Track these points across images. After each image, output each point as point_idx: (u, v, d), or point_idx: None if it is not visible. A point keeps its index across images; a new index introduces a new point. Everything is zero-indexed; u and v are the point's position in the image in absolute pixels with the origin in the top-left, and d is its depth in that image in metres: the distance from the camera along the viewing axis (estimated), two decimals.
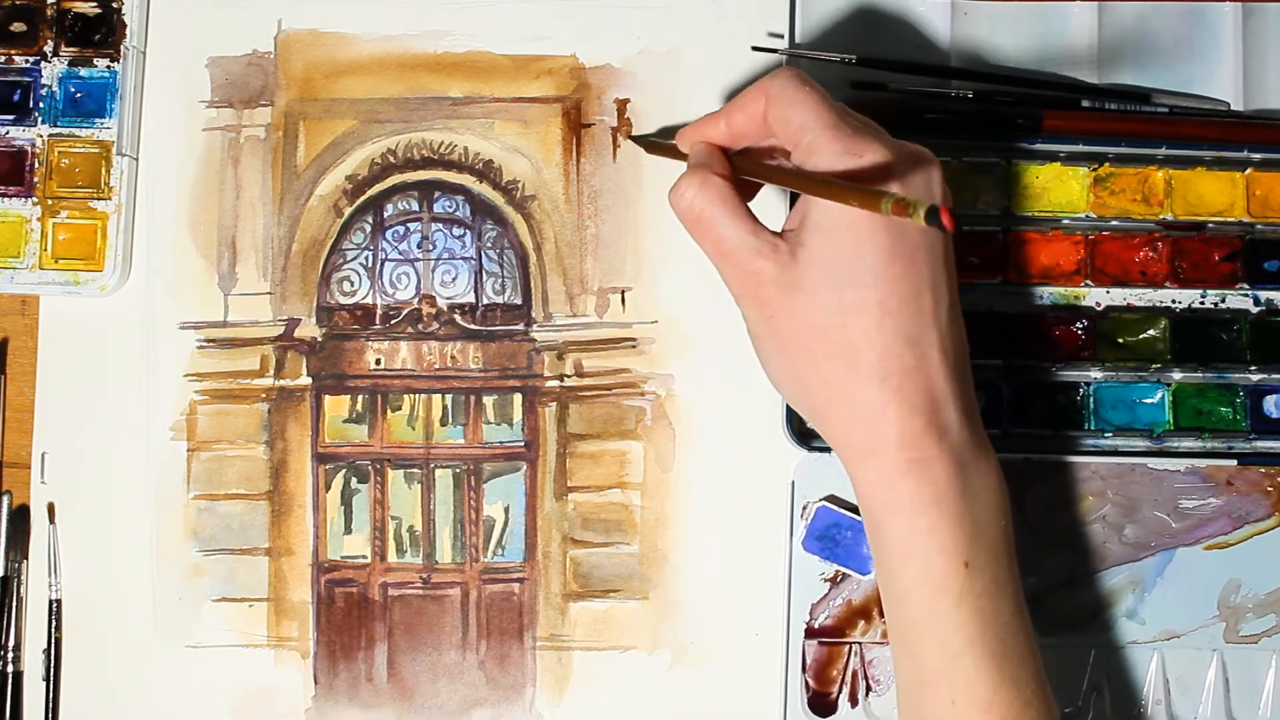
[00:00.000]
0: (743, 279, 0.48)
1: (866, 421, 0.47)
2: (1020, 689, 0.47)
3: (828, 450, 0.57)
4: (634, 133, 0.60)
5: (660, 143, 0.57)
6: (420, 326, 0.59)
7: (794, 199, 0.55)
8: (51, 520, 0.58)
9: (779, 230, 0.49)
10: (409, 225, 0.60)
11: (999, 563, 0.48)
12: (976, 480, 0.47)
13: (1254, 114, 0.59)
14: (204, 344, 0.59)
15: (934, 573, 0.46)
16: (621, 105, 0.60)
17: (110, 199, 0.59)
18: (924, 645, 0.47)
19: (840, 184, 0.45)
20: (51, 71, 0.59)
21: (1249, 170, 0.58)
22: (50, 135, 0.59)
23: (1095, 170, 0.58)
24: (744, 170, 0.50)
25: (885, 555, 0.48)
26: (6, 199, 0.59)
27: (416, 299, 0.59)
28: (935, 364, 0.47)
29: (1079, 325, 0.58)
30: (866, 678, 0.57)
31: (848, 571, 0.57)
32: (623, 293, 0.59)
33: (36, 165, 0.59)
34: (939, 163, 0.49)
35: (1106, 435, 0.58)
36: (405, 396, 0.59)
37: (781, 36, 0.59)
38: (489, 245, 0.60)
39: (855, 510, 0.57)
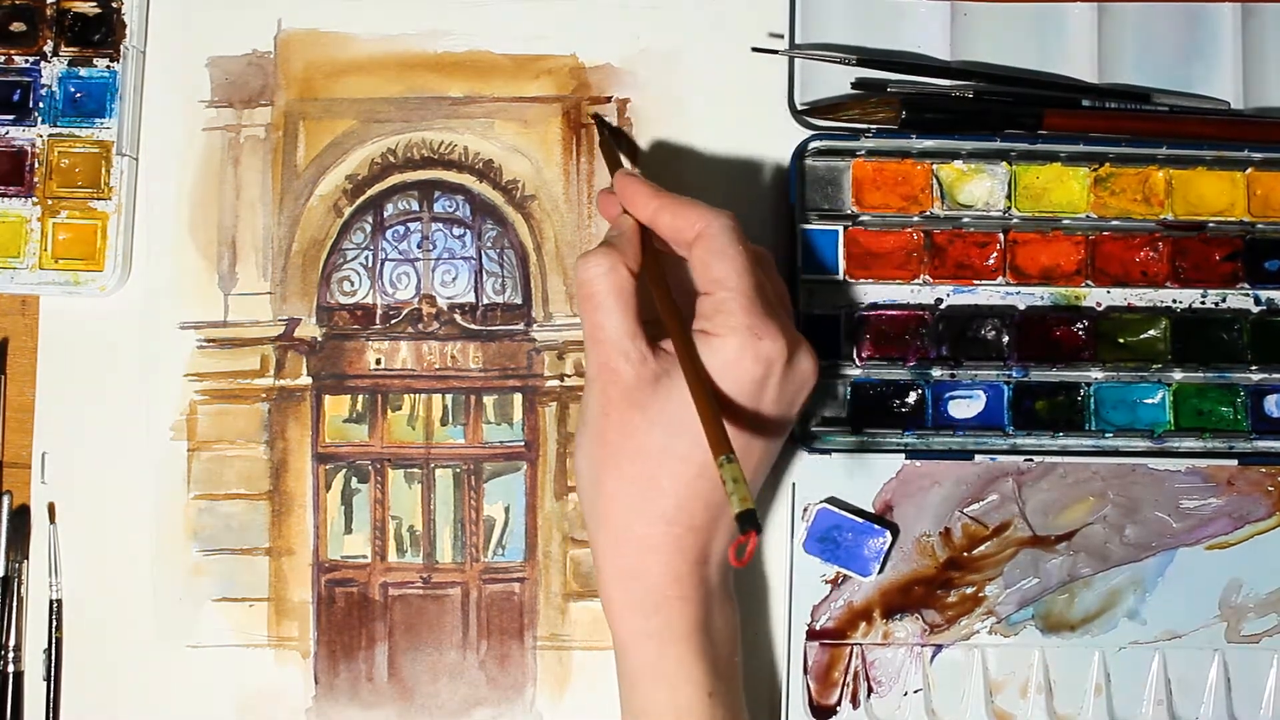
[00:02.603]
0: (602, 371, 0.50)
1: (639, 551, 0.50)
2: None
3: (828, 452, 0.57)
4: (605, 123, 0.60)
5: (612, 150, 0.57)
6: (420, 326, 0.59)
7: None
8: (51, 520, 0.58)
9: (655, 341, 0.50)
10: (409, 225, 0.60)
11: (735, 694, 0.51)
12: (720, 620, 0.51)
13: (1254, 112, 0.59)
14: (204, 344, 0.59)
15: (680, 701, 0.49)
16: (622, 105, 0.60)
17: (110, 199, 0.59)
18: None
19: (705, 398, 0.46)
20: (51, 71, 0.59)
21: (1249, 170, 0.58)
22: (50, 135, 0.59)
23: (1096, 170, 0.58)
24: (651, 279, 0.51)
25: (633, 680, 0.51)
26: (6, 199, 0.59)
27: (416, 299, 0.59)
28: (722, 530, 0.50)
29: (1079, 325, 0.58)
30: (868, 679, 0.57)
31: (849, 573, 0.57)
32: None
33: (36, 165, 0.59)
34: (818, 369, 0.51)
35: (1107, 436, 0.58)
36: (405, 396, 0.59)
37: (781, 36, 0.59)
38: (489, 245, 0.60)
39: (857, 512, 0.57)
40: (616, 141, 0.59)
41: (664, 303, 0.50)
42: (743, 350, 0.48)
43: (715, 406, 0.46)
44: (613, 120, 0.60)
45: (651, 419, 0.49)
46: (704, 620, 0.50)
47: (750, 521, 0.42)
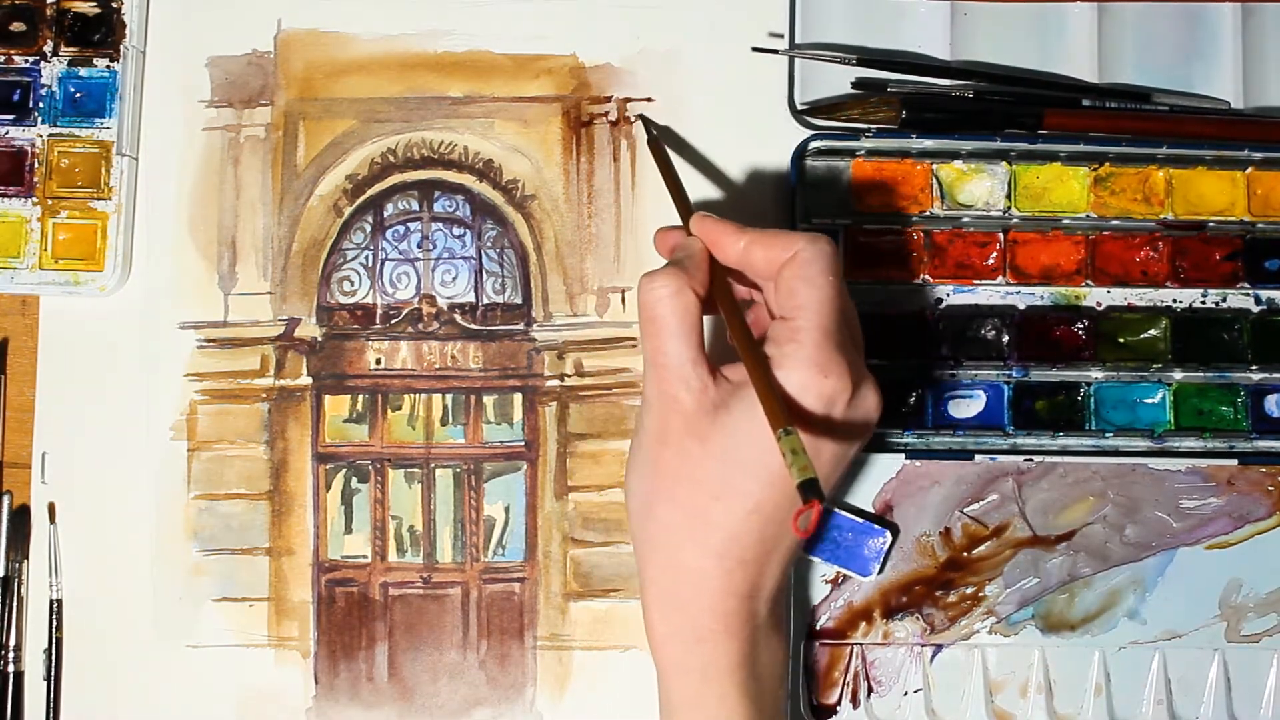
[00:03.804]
0: (662, 397, 0.49)
1: (688, 582, 0.48)
2: None
3: None
4: (653, 125, 0.59)
5: (662, 151, 0.56)
6: (420, 326, 0.59)
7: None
8: (51, 520, 0.58)
9: (716, 365, 0.49)
10: (409, 225, 0.60)
11: None
12: (766, 655, 0.50)
13: (1254, 112, 0.59)
14: (204, 344, 0.59)
15: None
16: (622, 105, 0.60)
17: (110, 199, 0.59)
18: None
19: (767, 385, 0.46)
20: (51, 71, 0.59)
21: (1250, 169, 0.58)
22: (50, 135, 0.59)
23: (1096, 170, 0.58)
24: (719, 301, 0.50)
25: (672, 710, 0.49)
26: (6, 199, 0.59)
27: (416, 299, 0.59)
28: (774, 565, 0.49)
29: (1080, 325, 0.58)
30: (868, 679, 0.57)
31: (849, 573, 0.57)
32: (623, 292, 0.59)
33: (36, 165, 0.59)
34: (880, 411, 0.49)
35: (1107, 435, 0.58)
36: (405, 396, 0.59)
37: (781, 36, 0.59)
38: (489, 245, 0.60)
39: (857, 513, 0.57)
40: (667, 157, 0.57)
41: (734, 319, 0.48)
42: (805, 387, 0.46)
43: (773, 381, 0.46)
44: (613, 116, 0.60)
45: (709, 450, 0.47)
46: (749, 656, 0.49)
47: (813, 490, 0.41)
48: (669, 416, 0.48)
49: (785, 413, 0.44)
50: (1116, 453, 0.58)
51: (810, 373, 0.46)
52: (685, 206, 0.53)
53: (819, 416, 0.47)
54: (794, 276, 0.48)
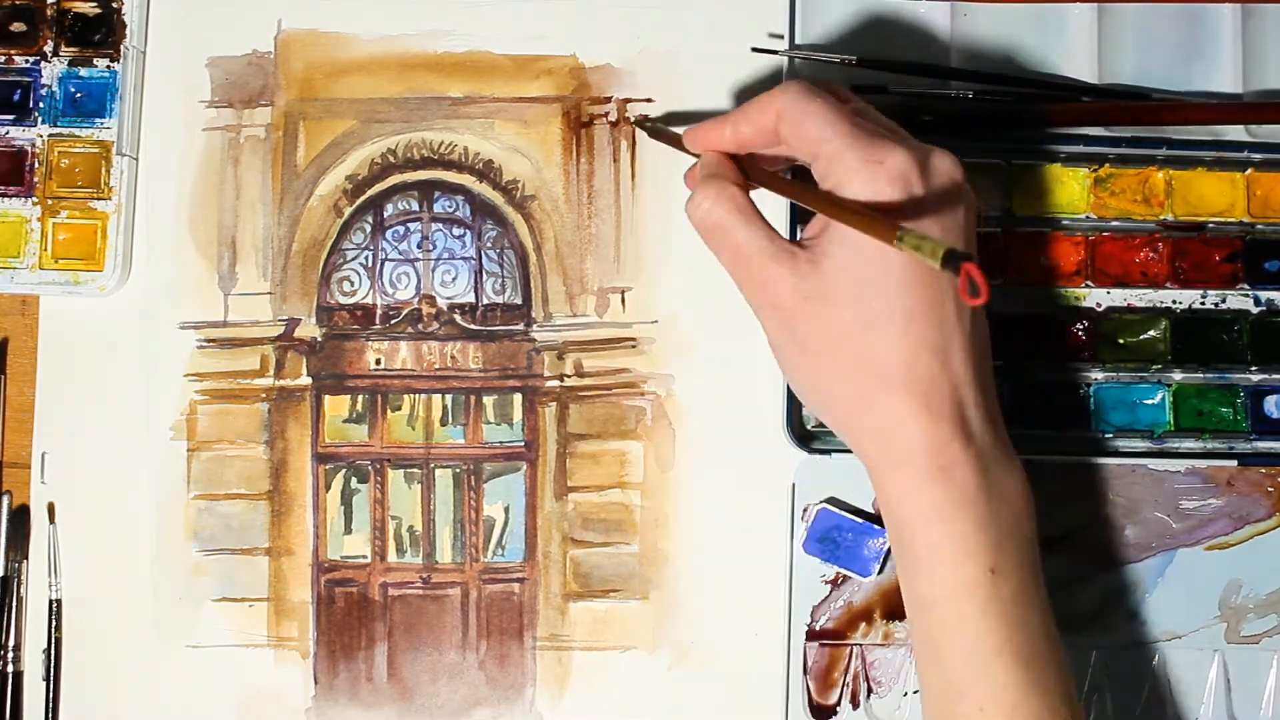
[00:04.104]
0: (760, 286, 0.48)
1: (893, 432, 0.47)
2: (1048, 696, 0.46)
3: (828, 453, 0.57)
4: (646, 119, 0.59)
5: (665, 130, 0.57)
6: (420, 326, 0.59)
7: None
8: (51, 520, 0.58)
9: (796, 239, 0.49)
10: (409, 225, 0.60)
11: (1025, 569, 0.47)
12: (1001, 485, 0.47)
13: (1256, 95, 0.59)
14: (204, 344, 0.59)
15: (961, 579, 0.46)
16: (622, 105, 0.60)
17: (110, 199, 0.59)
18: (950, 652, 0.47)
19: (852, 208, 0.45)
20: (51, 71, 0.59)
21: (1249, 170, 0.58)
22: (50, 135, 0.59)
23: (1095, 171, 0.58)
24: (757, 180, 0.50)
25: (911, 563, 0.48)
26: (6, 199, 0.59)
27: (416, 299, 0.59)
28: (959, 369, 0.47)
29: (1079, 326, 0.58)
30: (868, 680, 0.57)
31: (848, 574, 0.57)
32: (623, 293, 0.59)
33: (36, 165, 0.59)
34: (962, 166, 0.48)
35: (1107, 436, 0.58)
36: (405, 396, 0.59)
37: (781, 37, 0.59)
38: (489, 245, 0.60)
39: (856, 513, 0.57)
40: (663, 127, 0.58)
41: (778, 182, 0.49)
42: (874, 186, 0.45)
43: (851, 203, 0.45)
44: (613, 116, 0.60)
45: (837, 301, 0.46)
46: (980, 488, 0.46)
47: (957, 256, 0.38)
48: (779, 299, 0.47)
49: (884, 219, 0.42)
50: (1116, 453, 0.58)
51: (868, 170, 0.46)
52: (679, 143, 0.54)
53: (907, 200, 0.46)
54: (793, 124, 0.48)
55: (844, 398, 0.48)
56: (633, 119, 0.60)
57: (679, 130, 0.54)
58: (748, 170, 0.50)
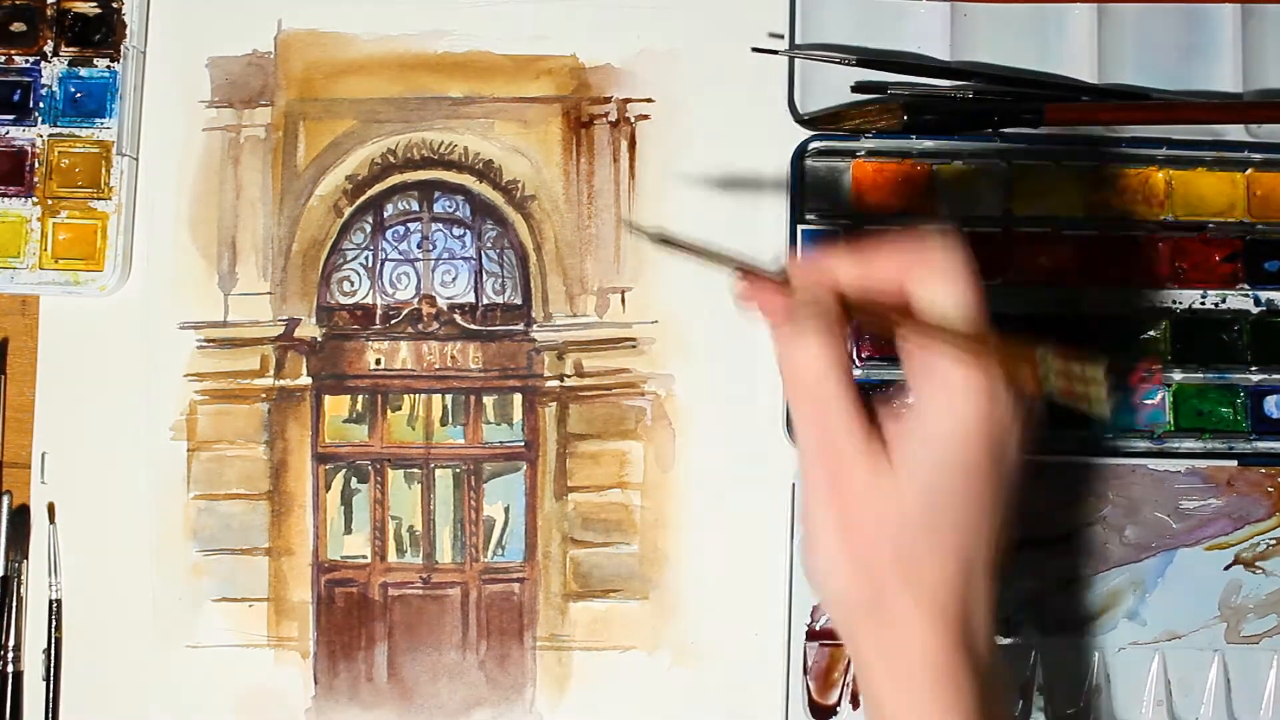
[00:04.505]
0: (828, 459, 0.44)
1: (908, 648, 0.44)
2: None
3: None
4: (642, 224, 0.58)
5: (694, 248, 0.47)
6: (420, 326, 0.59)
7: None
8: (51, 520, 0.58)
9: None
10: (409, 225, 0.60)
11: None
12: (994, 692, 0.45)
13: (1256, 94, 0.59)
14: (204, 344, 0.59)
15: None
16: (622, 106, 0.60)
17: (110, 199, 0.59)
18: None
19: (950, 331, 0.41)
20: (51, 71, 0.59)
21: (1249, 171, 0.58)
22: (50, 135, 0.59)
23: (1097, 171, 0.58)
24: (864, 312, 0.44)
25: None
26: (6, 199, 0.59)
27: (416, 299, 0.59)
28: (980, 593, 0.44)
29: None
30: None
31: None
32: (623, 293, 0.59)
33: (36, 165, 0.59)
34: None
35: (1107, 436, 0.58)
36: (405, 396, 0.59)
37: (781, 37, 0.59)
38: (489, 245, 0.60)
39: None
40: (688, 244, 0.48)
41: (887, 314, 0.44)
42: (991, 397, 0.42)
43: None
44: (613, 117, 0.60)
45: (906, 509, 0.43)
46: (979, 700, 0.44)
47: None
48: (842, 482, 0.43)
49: (995, 341, 0.40)
50: (1116, 453, 0.58)
51: (990, 380, 0.42)
52: (739, 263, 0.46)
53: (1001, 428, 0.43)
54: (934, 293, 0.43)
55: (864, 597, 0.44)
56: (650, 235, 0.49)
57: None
58: (855, 301, 0.44)
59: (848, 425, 0.43)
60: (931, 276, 0.43)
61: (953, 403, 0.42)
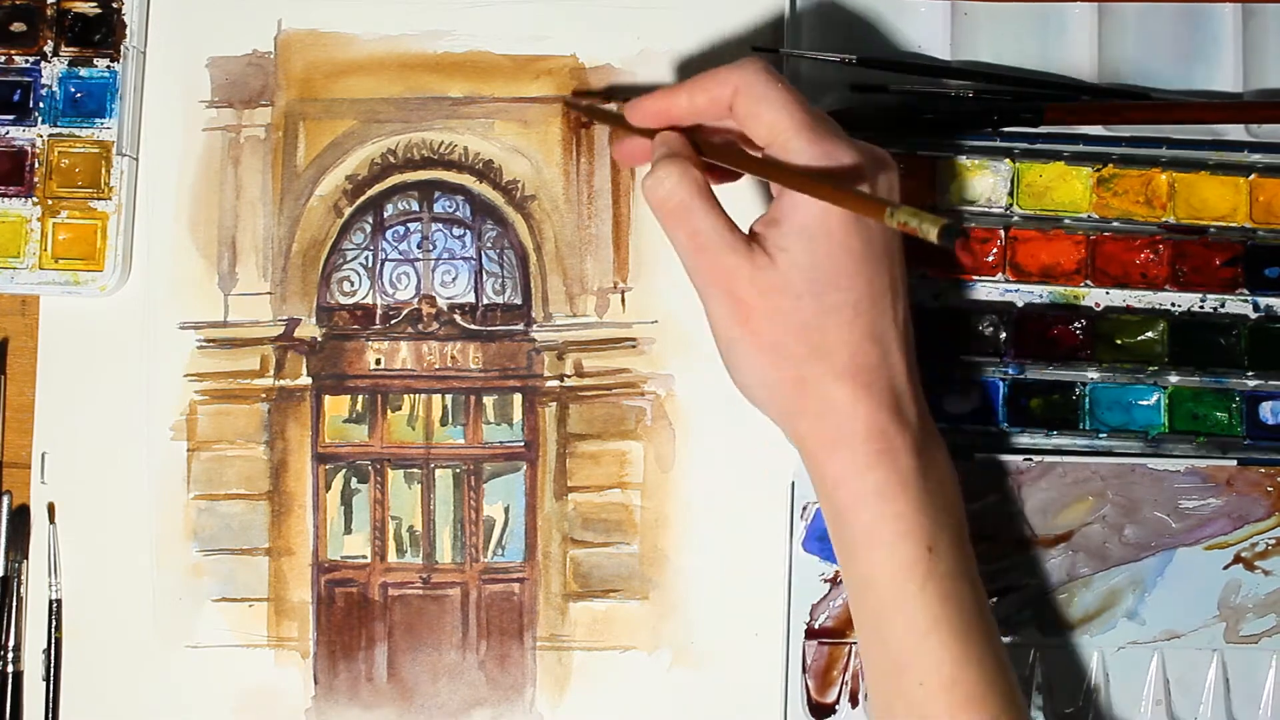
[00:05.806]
0: (716, 275, 0.49)
1: (837, 416, 0.49)
2: (984, 668, 0.48)
3: None
4: (578, 96, 0.60)
5: (599, 109, 0.57)
6: (420, 326, 0.59)
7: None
8: (51, 520, 0.58)
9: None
10: (409, 225, 0.60)
11: (958, 546, 0.49)
12: (935, 467, 0.50)
13: (1256, 94, 0.59)
14: (204, 344, 0.59)
15: (900, 558, 0.48)
16: (622, 105, 0.60)
17: (110, 199, 0.59)
18: (892, 629, 0.49)
19: (843, 188, 0.46)
20: (51, 71, 0.59)
21: (1252, 176, 0.58)
22: (50, 135, 0.59)
23: (1099, 171, 0.58)
24: (721, 157, 0.50)
25: (851, 545, 0.49)
26: (6, 199, 0.59)
27: (416, 299, 0.59)
28: (896, 360, 0.49)
29: (1077, 325, 0.58)
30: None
31: None
32: (623, 293, 0.59)
33: (36, 165, 0.59)
34: (896, 165, 0.50)
35: (1101, 436, 0.58)
36: (405, 396, 0.59)
37: (782, 36, 0.59)
38: (489, 245, 0.60)
39: None
40: (596, 106, 0.59)
41: (750, 162, 0.49)
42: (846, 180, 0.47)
43: (838, 184, 0.46)
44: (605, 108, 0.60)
45: (795, 293, 0.48)
46: (916, 471, 0.48)
47: (954, 233, 0.40)
48: (735, 289, 0.49)
49: (874, 198, 0.45)
50: (1110, 453, 0.58)
51: (822, 165, 0.47)
52: (619, 120, 0.54)
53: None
54: (750, 104, 0.49)
55: (791, 386, 0.49)
56: (566, 99, 0.59)
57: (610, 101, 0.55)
58: (706, 146, 0.50)
59: (721, 234, 0.49)
60: (753, 89, 0.49)
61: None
